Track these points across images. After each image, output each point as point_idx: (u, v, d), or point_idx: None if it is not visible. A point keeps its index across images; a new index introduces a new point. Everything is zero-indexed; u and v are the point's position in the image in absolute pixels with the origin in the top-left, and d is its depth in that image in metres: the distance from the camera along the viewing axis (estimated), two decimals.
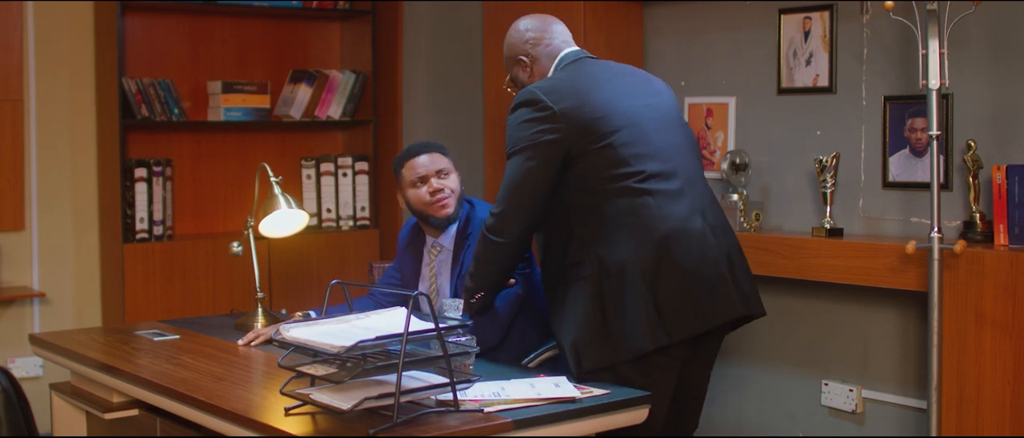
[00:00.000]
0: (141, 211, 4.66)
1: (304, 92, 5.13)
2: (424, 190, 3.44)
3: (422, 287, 3.56)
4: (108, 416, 3.13)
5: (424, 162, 3.45)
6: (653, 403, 2.82)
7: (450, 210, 3.46)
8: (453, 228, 3.51)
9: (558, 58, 3.20)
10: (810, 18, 3.95)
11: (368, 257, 5.10)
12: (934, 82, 3.28)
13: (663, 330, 2.91)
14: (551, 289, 3.08)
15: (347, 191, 5.19)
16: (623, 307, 2.92)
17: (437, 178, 3.45)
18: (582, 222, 2.99)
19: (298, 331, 2.51)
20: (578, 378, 2.89)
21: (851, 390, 3.93)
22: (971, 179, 3.45)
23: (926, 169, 3.53)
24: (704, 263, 2.98)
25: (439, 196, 3.44)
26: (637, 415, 2.74)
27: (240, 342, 3.38)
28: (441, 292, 3.51)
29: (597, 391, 2.74)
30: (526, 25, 3.26)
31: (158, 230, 4.72)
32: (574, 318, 2.97)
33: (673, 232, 2.95)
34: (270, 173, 3.69)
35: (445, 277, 3.52)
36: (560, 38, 3.26)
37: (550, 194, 3.01)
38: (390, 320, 2.61)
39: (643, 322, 2.91)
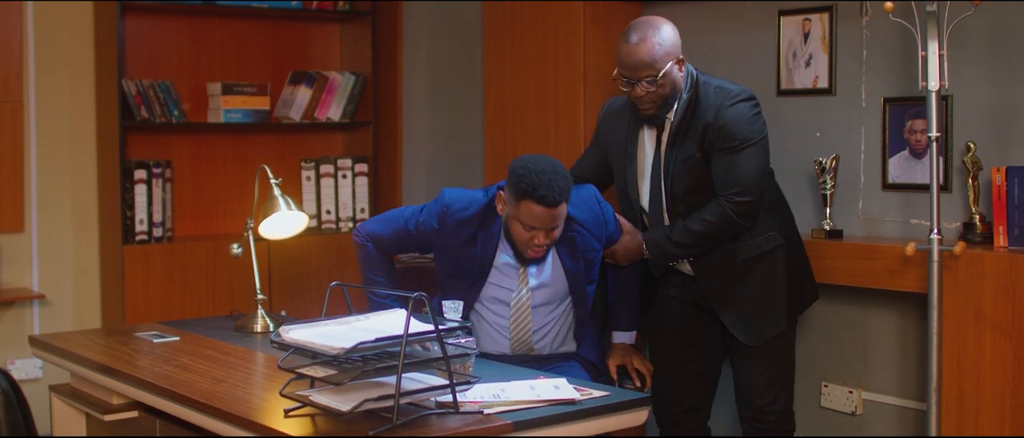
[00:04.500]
0: (141, 212, 4.66)
1: (304, 93, 5.13)
2: (527, 235, 3.26)
3: (504, 283, 3.40)
4: (108, 418, 3.13)
5: (542, 216, 3.20)
6: (790, 361, 3.62)
7: (540, 256, 3.34)
8: None
9: (687, 63, 3.48)
10: (810, 19, 3.95)
11: None
12: (934, 83, 3.28)
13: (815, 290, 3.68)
14: (741, 261, 3.48)
15: (347, 193, 5.19)
16: (805, 270, 3.62)
17: (547, 235, 3.26)
18: (765, 204, 3.48)
19: (298, 333, 2.51)
20: (771, 336, 3.50)
21: (851, 392, 3.93)
22: (971, 180, 3.45)
23: (926, 171, 3.53)
24: None
25: (538, 250, 3.29)
26: (637, 416, 2.74)
27: None
28: (543, 295, 3.41)
29: (597, 393, 2.74)
30: (673, 28, 3.47)
31: (158, 231, 4.72)
32: (776, 276, 3.50)
33: None
34: (270, 175, 3.69)
35: (552, 276, 3.41)
36: None
37: None
38: (390, 322, 2.61)
39: (810, 280, 3.64)
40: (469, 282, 3.39)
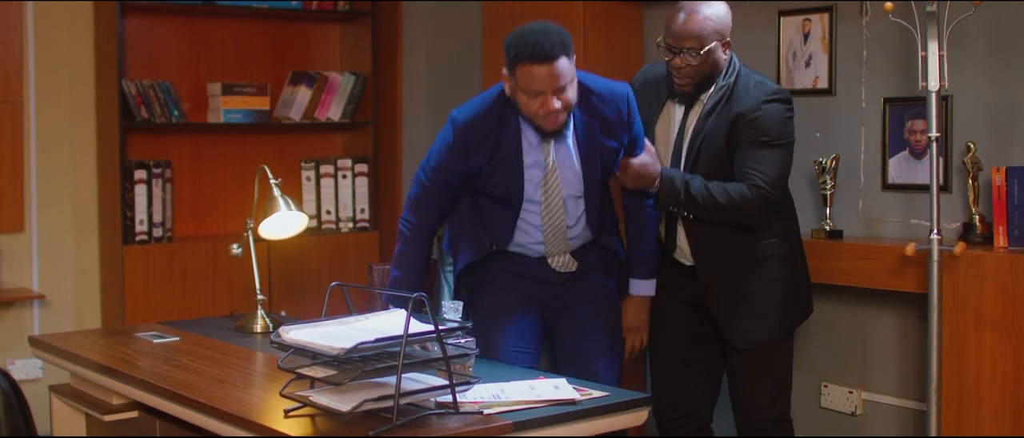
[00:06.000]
0: (141, 213, 4.66)
1: (304, 94, 5.13)
2: (536, 103, 3.06)
3: (533, 177, 3.23)
4: (108, 418, 3.13)
5: (543, 77, 3.00)
6: (787, 367, 3.53)
7: (559, 125, 3.12)
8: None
9: (732, 51, 3.43)
10: (810, 20, 3.95)
11: (368, 259, 5.11)
12: (934, 84, 3.28)
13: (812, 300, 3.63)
14: (743, 260, 3.43)
15: (347, 193, 5.19)
16: (804, 281, 3.56)
17: (555, 96, 3.04)
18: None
19: (298, 333, 2.51)
20: (761, 341, 3.44)
21: (851, 392, 3.93)
22: (971, 181, 3.45)
23: (926, 171, 3.53)
24: None
25: (551, 115, 3.07)
26: (637, 416, 2.74)
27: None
28: (565, 181, 3.24)
29: (596, 393, 2.74)
30: (728, 9, 3.41)
31: (158, 232, 4.72)
32: (776, 281, 3.44)
33: None
34: (270, 175, 3.69)
35: (568, 163, 3.23)
36: None
37: None
38: (390, 322, 2.62)
39: (807, 293, 3.57)
40: (510, 185, 3.23)
